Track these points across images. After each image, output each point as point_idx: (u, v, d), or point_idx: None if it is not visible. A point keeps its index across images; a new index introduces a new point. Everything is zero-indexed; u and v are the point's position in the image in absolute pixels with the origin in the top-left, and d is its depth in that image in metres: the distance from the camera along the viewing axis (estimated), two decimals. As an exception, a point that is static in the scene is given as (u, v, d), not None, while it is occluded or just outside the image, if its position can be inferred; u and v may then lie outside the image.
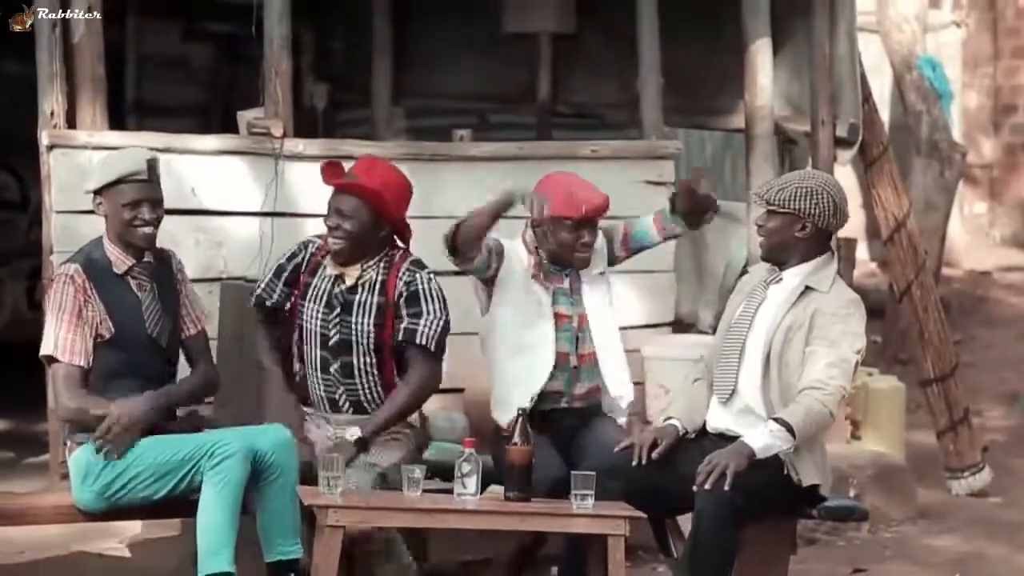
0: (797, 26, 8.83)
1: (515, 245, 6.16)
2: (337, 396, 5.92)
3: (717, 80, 9.31)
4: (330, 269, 5.94)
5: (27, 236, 11.62)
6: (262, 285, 6.03)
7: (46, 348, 5.57)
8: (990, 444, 9.73)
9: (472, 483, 5.40)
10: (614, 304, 6.26)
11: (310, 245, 6.04)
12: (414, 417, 5.96)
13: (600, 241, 6.21)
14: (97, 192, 5.68)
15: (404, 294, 5.89)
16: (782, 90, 8.94)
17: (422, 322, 5.85)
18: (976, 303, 13.64)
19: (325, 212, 5.94)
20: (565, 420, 6.09)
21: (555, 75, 9.94)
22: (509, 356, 6.09)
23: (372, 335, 5.88)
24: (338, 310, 5.90)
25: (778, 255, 5.72)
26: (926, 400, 9.05)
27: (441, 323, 5.88)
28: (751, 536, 5.78)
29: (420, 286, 5.90)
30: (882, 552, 7.68)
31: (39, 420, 7.72)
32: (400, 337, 5.86)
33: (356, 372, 5.90)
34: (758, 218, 5.77)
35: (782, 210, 5.65)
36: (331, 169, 5.96)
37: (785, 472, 5.54)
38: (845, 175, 10.43)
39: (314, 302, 5.92)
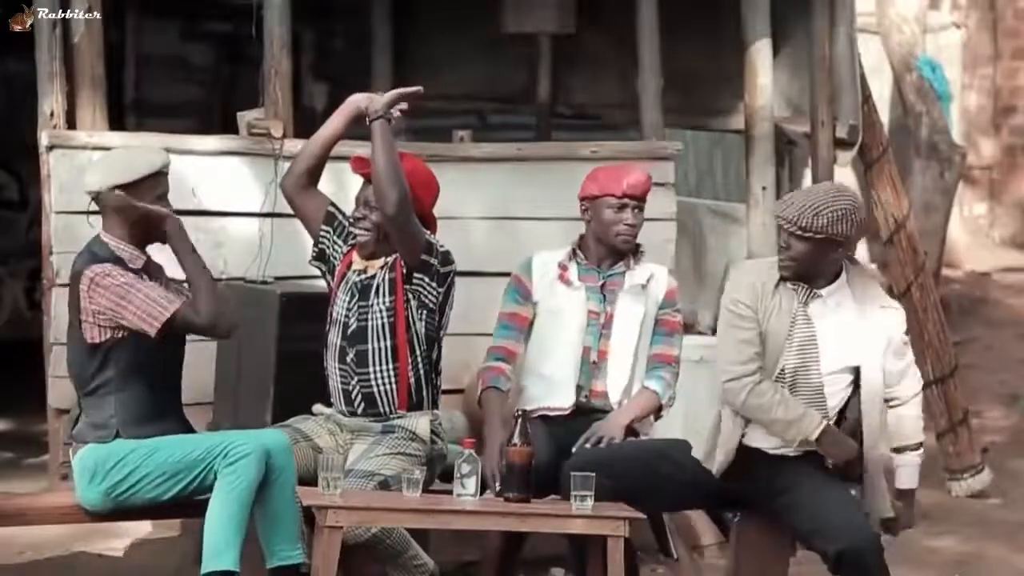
0: (797, 27, 8.83)
1: (544, 266, 6.17)
2: (351, 388, 5.91)
3: (717, 81, 9.32)
4: (356, 264, 5.98)
5: (27, 236, 11.64)
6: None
7: (157, 321, 5.47)
8: (990, 445, 9.74)
9: (471, 484, 5.39)
10: (646, 322, 6.18)
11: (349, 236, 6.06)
12: (425, 433, 5.94)
13: (666, 280, 6.16)
14: (126, 187, 5.61)
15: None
16: (782, 91, 8.94)
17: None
18: (976, 304, 13.65)
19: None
20: (567, 422, 6.09)
21: (555, 76, 9.94)
22: (538, 359, 6.12)
23: (387, 314, 5.89)
24: (357, 297, 5.93)
25: (805, 278, 5.60)
26: (926, 401, 9.04)
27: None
28: (750, 537, 5.79)
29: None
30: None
31: (39, 420, 7.72)
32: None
33: (370, 360, 5.89)
34: (782, 239, 5.60)
35: (819, 235, 5.49)
36: (360, 160, 6.00)
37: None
38: (845, 176, 10.42)
39: (343, 292, 5.96)
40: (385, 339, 5.90)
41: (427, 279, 5.91)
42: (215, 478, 5.41)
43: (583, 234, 6.21)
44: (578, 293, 6.12)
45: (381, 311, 5.90)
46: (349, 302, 5.94)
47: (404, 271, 5.89)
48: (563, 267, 6.16)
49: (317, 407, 6.03)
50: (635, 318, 6.13)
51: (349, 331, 5.91)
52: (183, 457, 5.47)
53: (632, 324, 6.12)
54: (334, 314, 5.98)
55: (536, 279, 6.16)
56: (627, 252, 6.15)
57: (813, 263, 5.55)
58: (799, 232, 5.49)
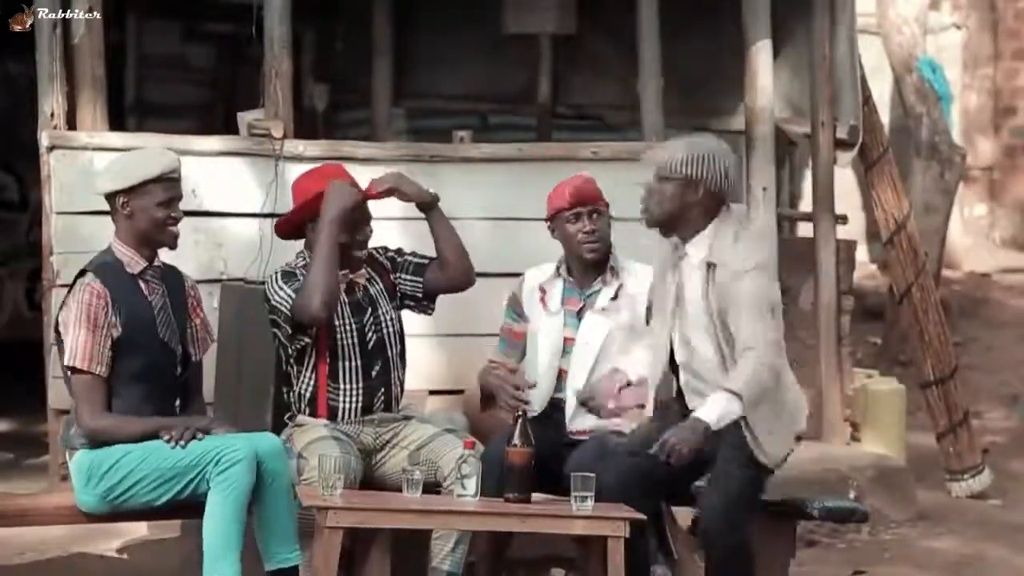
0: (797, 28, 8.84)
1: (531, 285, 6.21)
2: (374, 399, 5.93)
3: (717, 81, 9.33)
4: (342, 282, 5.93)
5: (27, 237, 11.64)
6: (289, 296, 5.84)
7: (68, 359, 5.52)
8: (990, 446, 9.74)
9: (472, 484, 5.40)
10: (611, 338, 6.08)
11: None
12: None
13: (647, 273, 6.02)
14: (126, 191, 5.61)
15: (392, 256, 6.07)
16: (782, 92, 8.95)
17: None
18: (976, 305, 13.65)
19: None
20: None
21: (555, 76, 9.95)
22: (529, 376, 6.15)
23: (396, 321, 5.98)
24: (369, 311, 5.93)
25: (669, 223, 5.70)
26: (926, 402, 9.05)
27: None
28: (750, 537, 5.78)
29: (392, 246, 6.12)
30: (882, 554, 7.68)
31: (39, 421, 7.72)
32: (422, 260, 6.04)
33: (391, 367, 5.96)
34: (645, 186, 5.72)
35: (675, 176, 5.64)
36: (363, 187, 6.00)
37: (752, 455, 5.58)
38: (845, 177, 10.43)
39: (342, 318, 5.90)
40: (396, 344, 5.97)
41: (404, 274, 6.02)
42: (208, 484, 5.41)
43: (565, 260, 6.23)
44: (555, 319, 6.11)
45: (392, 316, 5.97)
46: (359, 320, 5.91)
47: (391, 279, 6.01)
48: (543, 290, 6.17)
49: (305, 419, 5.98)
50: (595, 341, 6.05)
51: (369, 347, 5.91)
52: (176, 463, 5.45)
53: (589, 350, 6.06)
54: (339, 342, 5.89)
55: (525, 298, 6.21)
56: (597, 263, 6.11)
57: (677, 208, 5.66)
58: (662, 175, 5.66)
